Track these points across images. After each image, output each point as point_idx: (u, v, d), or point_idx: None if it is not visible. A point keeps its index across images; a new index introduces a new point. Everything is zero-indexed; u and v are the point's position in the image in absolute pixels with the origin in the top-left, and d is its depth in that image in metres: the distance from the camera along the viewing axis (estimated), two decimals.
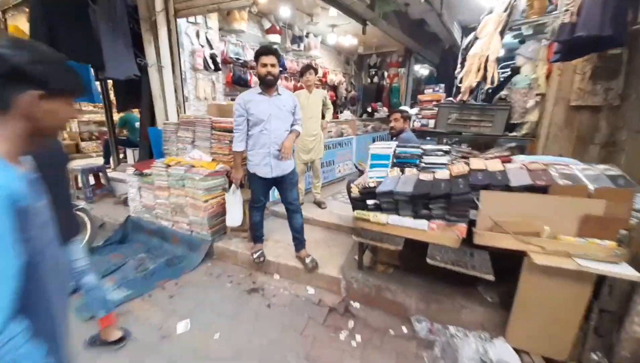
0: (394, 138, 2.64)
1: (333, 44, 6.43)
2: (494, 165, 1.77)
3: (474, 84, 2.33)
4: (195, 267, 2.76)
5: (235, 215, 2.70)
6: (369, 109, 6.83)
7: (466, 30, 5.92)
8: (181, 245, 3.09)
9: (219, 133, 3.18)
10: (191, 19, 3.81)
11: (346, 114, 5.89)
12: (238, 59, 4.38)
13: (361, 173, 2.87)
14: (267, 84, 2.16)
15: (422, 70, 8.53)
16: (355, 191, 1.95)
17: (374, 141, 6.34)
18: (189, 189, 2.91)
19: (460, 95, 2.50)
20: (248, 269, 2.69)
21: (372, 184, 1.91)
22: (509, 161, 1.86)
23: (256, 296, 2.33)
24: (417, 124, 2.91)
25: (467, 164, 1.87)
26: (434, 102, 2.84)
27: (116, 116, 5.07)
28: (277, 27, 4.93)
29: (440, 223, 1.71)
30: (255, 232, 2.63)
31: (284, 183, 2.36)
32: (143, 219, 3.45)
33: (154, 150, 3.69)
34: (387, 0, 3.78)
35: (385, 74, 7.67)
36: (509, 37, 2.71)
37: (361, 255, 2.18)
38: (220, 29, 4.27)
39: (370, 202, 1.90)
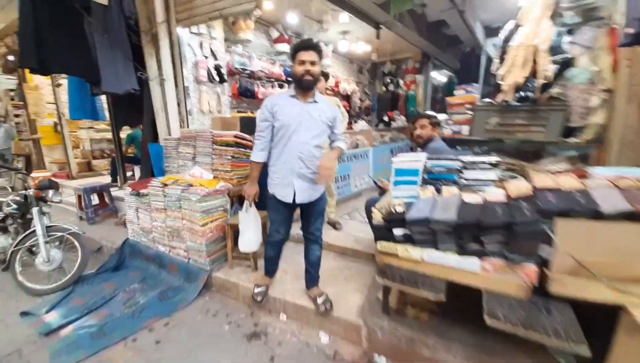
0: (421, 149, 2.22)
1: (345, 52, 6.16)
2: (568, 182, 1.31)
3: (521, 81, 1.89)
4: (190, 302, 2.39)
5: (250, 238, 2.19)
6: (385, 118, 6.43)
7: (490, 30, 5.49)
8: (178, 274, 2.75)
9: (221, 148, 2.87)
10: (194, 29, 3.61)
11: (361, 125, 5.51)
12: (244, 69, 4.14)
13: (381, 190, 2.45)
14: (304, 86, 1.76)
15: (439, 77, 8.09)
16: (377, 217, 1.54)
17: (392, 152, 5.89)
18: (186, 212, 2.59)
19: (501, 95, 2.06)
20: (250, 306, 2.29)
21: (399, 209, 1.49)
22: (586, 176, 1.39)
23: (257, 344, 1.91)
24: (447, 132, 2.48)
25: (529, 181, 1.42)
26: (467, 105, 2.41)
27: (123, 133, 4.93)
28: (286, 36, 4.70)
29: (497, 263, 1.25)
30: (267, 266, 2.21)
31: (308, 211, 1.94)
32: (141, 243, 3.15)
33: (154, 168, 3.43)
34: None
35: (401, 82, 7.29)
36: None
37: (386, 296, 1.73)
38: (225, 40, 4.06)
39: (398, 232, 1.47)
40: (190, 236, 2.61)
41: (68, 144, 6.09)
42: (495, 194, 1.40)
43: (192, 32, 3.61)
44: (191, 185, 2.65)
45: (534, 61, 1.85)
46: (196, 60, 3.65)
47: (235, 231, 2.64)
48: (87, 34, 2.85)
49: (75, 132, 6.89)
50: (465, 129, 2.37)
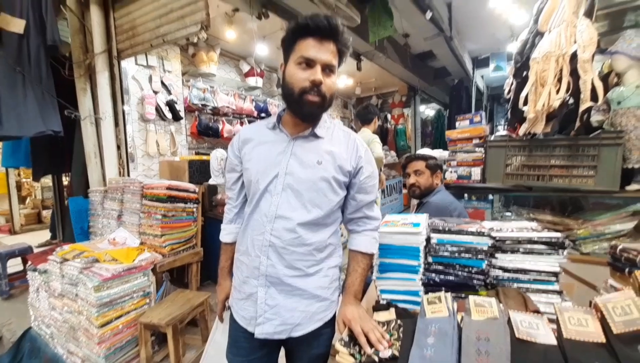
0: (418, 202, 1.52)
1: None
2: None
3: (557, 104, 1.28)
4: None
5: None
6: None
7: (478, 61, 5.20)
8: None
9: (150, 204, 2.14)
10: (142, 61, 3.10)
11: None
12: (205, 105, 3.58)
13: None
14: (305, 113, 0.90)
15: (427, 110, 7.79)
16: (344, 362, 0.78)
17: (383, 192, 5.23)
18: (82, 303, 1.77)
19: (526, 125, 1.43)
20: None
21: (385, 353, 0.74)
22: None
23: None
24: (450, 176, 1.81)
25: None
26: (475, 140, 1.78)
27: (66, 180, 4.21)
28: (257, 70, 4.25)
29: None
30: None
31: (294, 355, 1.01)
32: (43, 336, 2.27)
33: (75, 228, 2.66)
34: (381, 23, 3.02)
35: (389, 116, 6.91)
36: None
37: None
38: (184, 73, 3.56)
39: None
40: (85, 340, 1.76)
41: (12, 193, 5.33)
42: (584, 329, 0.67)
43: (138, 64, 3.08)
44: (97, 260, 1.87)
45: (573, 75, 1.27)
46: (142, 95, 3.08)
47: (157, 333, 1.82)
48: None
49: (29, 179, 6.16)
50: (476, 173, 1.72)
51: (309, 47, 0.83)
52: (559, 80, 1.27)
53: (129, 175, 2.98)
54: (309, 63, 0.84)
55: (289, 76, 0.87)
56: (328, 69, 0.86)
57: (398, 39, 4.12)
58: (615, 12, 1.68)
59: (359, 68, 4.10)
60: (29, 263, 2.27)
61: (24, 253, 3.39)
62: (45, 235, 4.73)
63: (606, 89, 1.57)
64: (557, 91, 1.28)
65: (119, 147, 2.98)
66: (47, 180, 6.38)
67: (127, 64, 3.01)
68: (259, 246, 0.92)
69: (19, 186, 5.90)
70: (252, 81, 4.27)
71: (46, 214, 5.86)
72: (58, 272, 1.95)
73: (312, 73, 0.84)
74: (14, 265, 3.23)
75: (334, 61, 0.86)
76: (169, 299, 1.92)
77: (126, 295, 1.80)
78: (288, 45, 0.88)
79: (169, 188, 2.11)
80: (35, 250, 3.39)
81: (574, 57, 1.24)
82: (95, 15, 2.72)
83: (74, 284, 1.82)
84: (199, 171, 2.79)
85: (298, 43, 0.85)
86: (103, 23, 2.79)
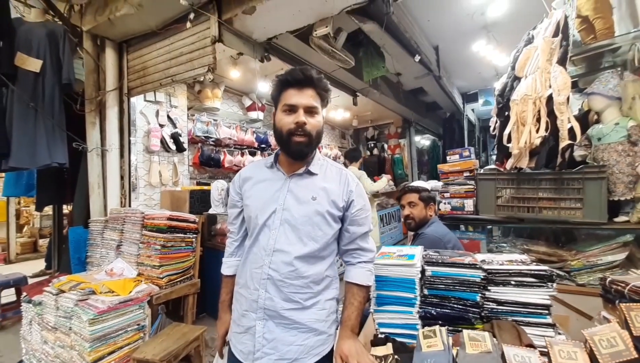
0: (415, 235, 1.56)
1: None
2: None
3: (538, 141, 1.38)
4: None
5: None
6: None
7: (467, 96, 5.47)
8: None
9: (150, 234, 2.17)
10: (150, 97, 3.28)
11: None
12: (208, 137, 3.73)
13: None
14: (294, 153, 0.99)
15: (423, 140, 8.04)
16: None
17: (382, 220, 5.24)
18: (75, 337, 1.73)
19: (512, 160, 1.52)
20: None
21: None
22: None
23: None
24: (444, 207, 1.87)
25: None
26: (466, 173, 1.87)
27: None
28: (259, 104, 4.47)
29: None
30: None
31: None
32: None
33: (72, 258, 2.65)
34: (374, 64, 3.25)
35: (385, 145, 7.11)
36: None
37: None
38: (190, 108, 3.75)
39: None
40: None
41: (11, 221, 5.32)
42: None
43: (147, 100, 3.26)
44: (94, 291, 1.85)
45: (550, 116, 1.38)
46: (149, 128, 3.22)
47: None
48: (5, 104, 2.42)
49: (29, 207, 6.17)
50: (469, 204, 1.79)
51: (291, 96, 0.96)
52: (538, 120, 1.38)
53: (130, 205, 3.02)
54: (292, 109, 0.96)
55: (277, 121, 1.00)
56: (311, 111, 0.98)
57: (390, 77, 4.39)
58: (592, 55, 1.85)
59: (355, 103, 4.33)
60: (24, 294, 2.24)
61: (19, 284, 3.33)
62: (40, 264, 4.67)
63: (587, 126, 1.69)
64: (537, 130, 1.38)
65: (122, 177, 3.06)
66: (47, 209, 6.39)
67: (136, 100, 3.18)
68: (257, 279, 0.96)
69: (17, 214, 5.90)
70: (253, 114, 4.47)
71: (42, 243, 5.80)
72: (53, 304, 1.92)
73: (296, 116, 0.96)
74: (8, 295, 3.17)
75: (315, 103, 0.98)
76: (164, 333, 1.88)
77: (120, 329, 1.76)
78: (275, 97, 1.02)
79: (169, 219, 2.15)
80: (30, 280, 3.34)
81: (550, 99, 1.36)
82: (110, 57, 2.93)
83: (69, 317, 1.79)
84: (200, 201, 2.84)
85: (283, 94, 0.98)
86: (117, 64, 3.00)
